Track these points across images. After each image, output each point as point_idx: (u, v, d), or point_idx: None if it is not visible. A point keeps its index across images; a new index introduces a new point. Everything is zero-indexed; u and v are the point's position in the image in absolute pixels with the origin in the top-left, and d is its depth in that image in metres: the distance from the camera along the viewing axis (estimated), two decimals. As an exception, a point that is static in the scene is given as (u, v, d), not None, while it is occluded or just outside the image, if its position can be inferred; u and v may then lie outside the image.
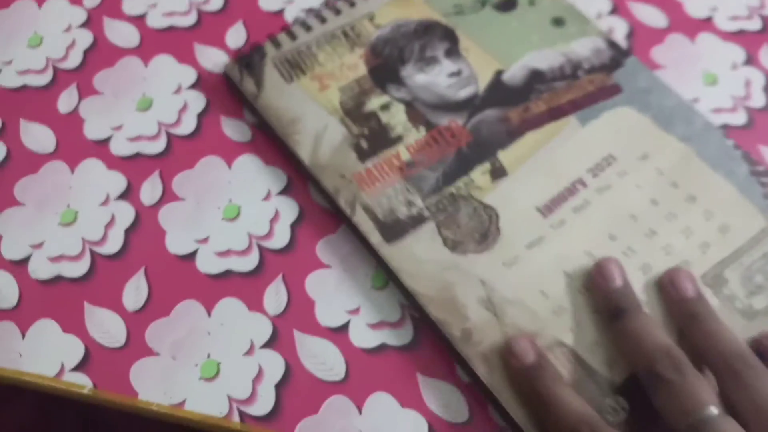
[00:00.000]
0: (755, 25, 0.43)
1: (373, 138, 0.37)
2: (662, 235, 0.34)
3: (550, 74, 0.39)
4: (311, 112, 0.38)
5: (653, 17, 0.43)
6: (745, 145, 0.38)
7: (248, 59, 0.39)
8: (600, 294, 0.32)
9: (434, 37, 0.40)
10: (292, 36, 0.40)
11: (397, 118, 0.38)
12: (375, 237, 0.34)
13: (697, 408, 0.27)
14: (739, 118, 0.40)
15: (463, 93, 0.38)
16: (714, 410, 0.27)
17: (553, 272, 0.33)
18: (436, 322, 0.32)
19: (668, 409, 0.28)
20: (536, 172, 0.36)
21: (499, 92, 0.38)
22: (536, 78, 0.39)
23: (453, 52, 0.40)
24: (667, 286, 0.32)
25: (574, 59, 0.39)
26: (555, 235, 0.34)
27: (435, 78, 0.39)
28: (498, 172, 0.36)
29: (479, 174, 0.36)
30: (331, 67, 0.39)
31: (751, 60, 0.42)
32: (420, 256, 0.34)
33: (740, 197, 0.35)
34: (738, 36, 0.43)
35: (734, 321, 0.31)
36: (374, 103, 0.38)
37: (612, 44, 0.40)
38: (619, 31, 0.43)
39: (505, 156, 0.36)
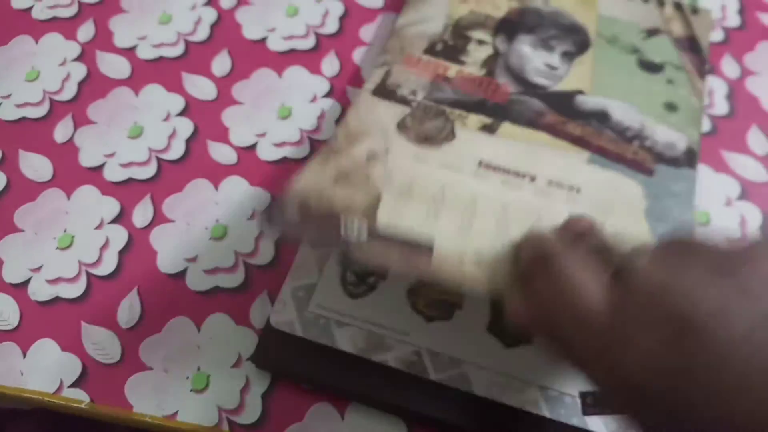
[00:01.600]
0: (718, 36, 0.45)
1: (448, 49, 0.42)
2: None
3: (613, 123, 0.39)
4: (438, 6, 0.44)
5: None
6: (709, 152, 0.40)
7: None
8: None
9: (571, 37, 0.43)
10: None
11: (478, 54, 0.42)
12: (369, 85, 0.39)
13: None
14: (704, 126, 0.42)
15: (539, 80, 0.41)
16: None
17: (431, 184, 0.35)
18: (336, 132, 0.37)
19: None
20: (512, 148, 0.37)
21: (561, 101, 0.40)
22: (600, 116, 0.39)
23: (570, 55, 0.42)
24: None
25: (644, 134, 0.39)
26: (470, 176, 0.36)
27: (535, 58, 0.41)
28: (488, 129, 0.38)
29: (476, 118, 0.38)
30: None
31: (713, 69, 0.44)
32: (376, 110, 0.38)
33: None
34: (701, 48, 0.45)
35: None
36: (479, 35, 0.42)
37: (689, 152, 0.38)
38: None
39: (507, 127, 0.38)
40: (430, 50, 0.41)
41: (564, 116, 0.39)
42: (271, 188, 0.40)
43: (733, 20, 0.46)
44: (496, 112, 0.39)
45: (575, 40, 0.43)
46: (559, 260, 0.27)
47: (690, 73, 0.41)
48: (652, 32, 0.43)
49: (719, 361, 0.21)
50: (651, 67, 0.42)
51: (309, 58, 0.45)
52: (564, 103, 0.40)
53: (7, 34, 0.47)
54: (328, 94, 0.43)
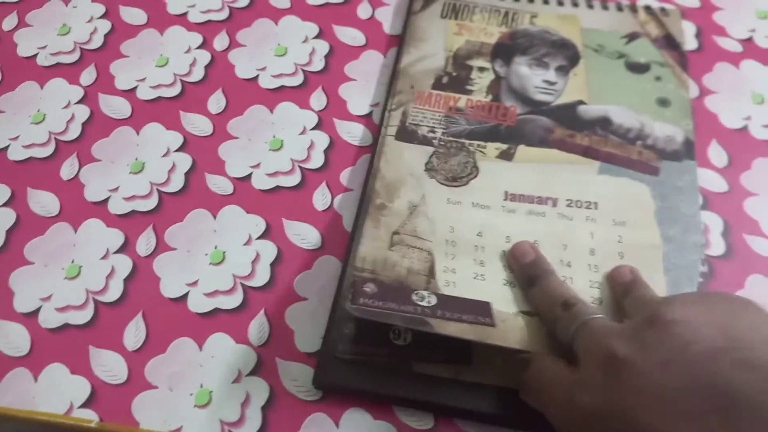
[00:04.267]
0: (678, 60, 0.49)
1: (453, 80, 0.45)
2: (575, 270, 0.38)
3: (615, 127, 0.43)
4: (436, 42, 0.48)
5: (586, 60, 0.49)
6: None
7: None
8: (517, 268, 0.37)
9: (562, 52, 0.47)
10: None
11: (482, 81, 0.45)
12: (391, 131, 0.43)
13: (582, 315, 0.32)
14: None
15: (541, 97, 0.44)
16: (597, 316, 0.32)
17: (470, 230, 0.39)
18: (368, 188, 0.41)
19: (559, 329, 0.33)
20: (531, 174, 0.41)
21: (565, 113, 0.44)
22: (602, 123, 0.43)
23: (564, 69, 0.46)
24: (511, 257, 0.38)
25: (645, 132, 0.43)
26: (498, 213, 0.40)
27: (533, 76, 0.45)
28: (506, 155, 0.42)
29: (493, 147, 0.42)
30: (475, 26, 0.48)
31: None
32: (404, 156, 0.42)
33: None
34: None
35: None
36: (478, 62, 0.46)
37: (687, 143, 0.42)
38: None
39: (523, 150, 0.42)
40: (438, 85, 0.46)
41: (571, 129, 0.43)
42: (265, 215, 0.43)
43: (691, 43, 0.49)
44: (510, 137, 0.43)
45: (566, 54, 0.47)
46: (529, 367, 0.33)
47: (673, 67, 0.46)
48: (632, 36, 0.48)
49: (640, 388, 0.27)
50: (638, 68, 0.46)
51: (298, 94, 0.48)
52: (568, 116, 0.44)
53: (14, 80, 0.50)
54: (317, 127, 0.46)
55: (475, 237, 0.39)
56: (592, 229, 0.39)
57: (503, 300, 0.36)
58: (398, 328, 0.36)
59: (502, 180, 0.41)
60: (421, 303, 0.35)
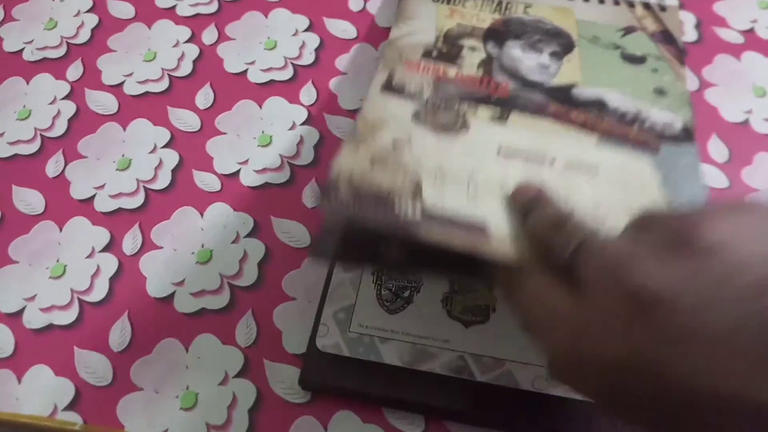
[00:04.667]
0: (677, 52, 0.47)
1: (443, 55, 0.43)
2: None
3: (611, 110, 0.40)
4: (425, 23, 0.46)
5: (583, 52, 0.47)
6: None
7: None
8: (517, 204, 0.33)
9: (556, 40, 0.45)
10: None
11: (472, 59, 0.43)
12: (376, 83, 0.40)
13: (580, 231, 0.27)
14: None
15: (535, 77, 0.42)
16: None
17: (460, 169, 0.36)
18: (356, 124, 0.38)
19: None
20: (526, 136, 0.38)
21: (560, 94, 0.41)
22: (598, 105, 0.41)
23: (557, 55, 0.44)
24: (512, 197, 0.33)
25: (642, 116, 0.40)
26: (492, 163, 0.36)
27: (526, 59, 0.43)
28: (499, 119, 0.40)
29: (486, 110, 0.40)
30: (467, 12, 0.47)
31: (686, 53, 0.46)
32: (388, 104, 0.39)
33: None
34: None
35: None
36: (470, 42, 0.44)
37: (686, 129, 0.40)
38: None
39: (517, 117, 0.40)
40: (426, 55, 0.43)
41: (566, 106, 0.41)
42: (253, 212, 0.42)
43: (691, 35, 0.48)
44: (503, 104, 0.40)
45: (560, 42, 0.45)
46: (520, 289, 0.29)
47: (670, 61, 0.44)
48: (628, 30, 0.46)
49: (679, 332, 0.22)
50: (634, 60, 0.44)
51: (287, 89, 0.47)
52: (563, 96, 0.41)
53: (-1, 76, 0.49)
54: (306, 122, 0.45)
55: (467, 174, 0.35)
56: (594, 187, 0.36)
57: (499, 224, 0.33)
58: (389, 244, 0.34)
59: (495, 136, 0.38)
60: (406, 212, 0.32)
